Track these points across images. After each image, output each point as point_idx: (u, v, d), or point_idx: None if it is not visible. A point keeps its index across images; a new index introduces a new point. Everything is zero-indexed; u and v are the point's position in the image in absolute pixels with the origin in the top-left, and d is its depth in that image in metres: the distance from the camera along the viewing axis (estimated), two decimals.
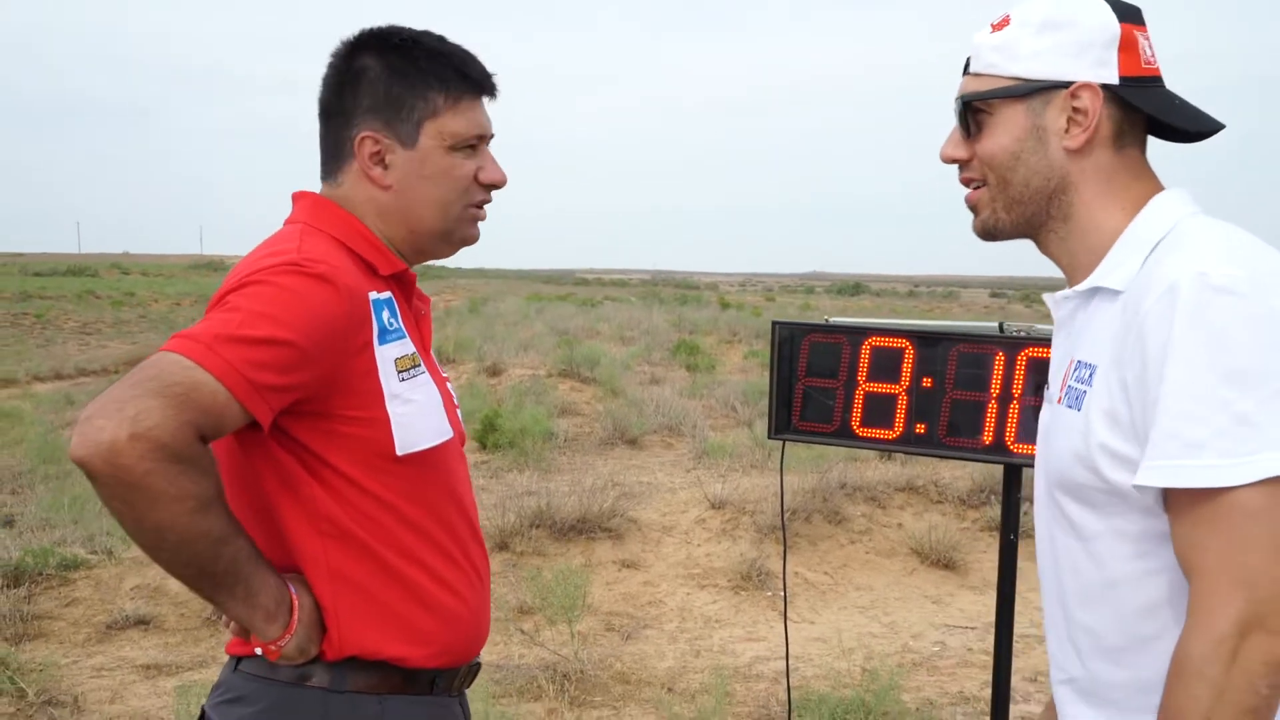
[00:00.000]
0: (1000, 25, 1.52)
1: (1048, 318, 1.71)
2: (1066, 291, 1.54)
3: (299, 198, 1.83)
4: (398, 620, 1.71)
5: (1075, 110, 1.47)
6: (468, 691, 1.92)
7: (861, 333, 3.15)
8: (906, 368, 3.07)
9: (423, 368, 1.76)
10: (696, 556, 6.80)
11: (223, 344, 1.51)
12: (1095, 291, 1.48)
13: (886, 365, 3.09)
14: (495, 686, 4.97)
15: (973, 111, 1.53)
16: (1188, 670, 1.28)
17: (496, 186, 1.84)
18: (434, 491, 1.76)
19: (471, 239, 1.86)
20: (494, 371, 14.55)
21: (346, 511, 1.66)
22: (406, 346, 1.74)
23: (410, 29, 1.80)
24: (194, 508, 1.48)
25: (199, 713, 1.76)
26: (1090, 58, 1.46)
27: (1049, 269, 1.60)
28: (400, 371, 1.70)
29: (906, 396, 3.07)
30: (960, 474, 7.99)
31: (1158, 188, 1.51)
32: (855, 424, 3.14)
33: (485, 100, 1.83)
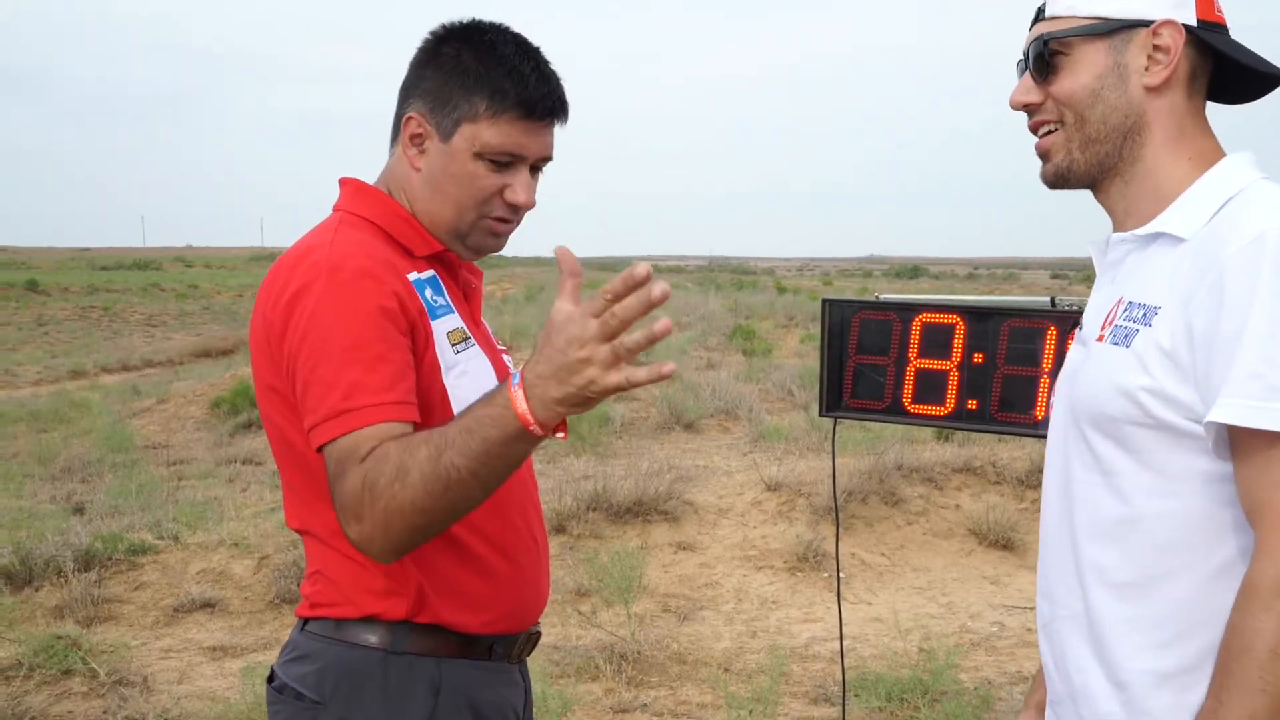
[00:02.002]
0: None
1: None
2: (1124, 234, 1.55)
3: (344, 184, 1.87)
4: (453, 586, 1.75)
5: (1156, 48, 1.50)
6: (528, 661, 1.95)
7: (912, 309, 3.13)
8: (957, 343, 3.05)
9: (472, 340, 1.80)
10: (753, 538, 6.81)
11: (351, 396, 1.58)
12: (1155, 237, 1.50)
13: (937, 341, 3.07)
14: (553, 667, 5.02)
15: (1050, 53, 1.55)
16: (1255, 602, 1.32)
17: (518, 209, 1.82)
18: None
19: (487, 249, 1.85)
20: None
21: None
22: (455, 321, 1.78)
23: (505, 31, 1.78)
24: (430, 481, 1.51)
25: (268, 674, 1.82)
26: None
27: None
28: (454, 345, 1.75)
29: (958, 372, 3.05)
30: (1019, 454, 7.91)
31: (1221, 148, 1.54)
32: (906, 401, 3.12)
33: (557, 126, 1.81)
